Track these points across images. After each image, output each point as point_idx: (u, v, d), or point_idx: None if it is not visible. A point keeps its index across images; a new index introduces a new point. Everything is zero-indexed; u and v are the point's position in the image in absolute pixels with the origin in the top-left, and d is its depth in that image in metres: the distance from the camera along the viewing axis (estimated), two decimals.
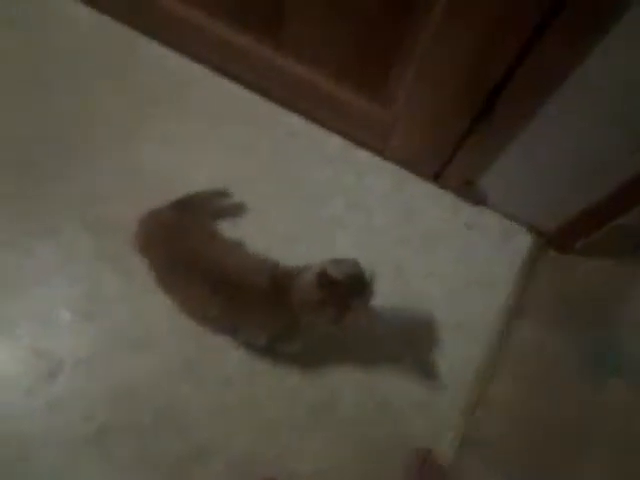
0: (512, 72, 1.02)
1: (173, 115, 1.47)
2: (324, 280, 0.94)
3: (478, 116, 1.16)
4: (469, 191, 1.42)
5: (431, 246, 1.42)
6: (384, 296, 1.32)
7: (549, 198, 1.34)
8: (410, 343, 1.32)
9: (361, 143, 1.47)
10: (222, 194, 1.34)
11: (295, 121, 1.50)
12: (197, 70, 1.53)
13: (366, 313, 0.99)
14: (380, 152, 1.45)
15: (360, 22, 1.11)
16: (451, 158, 1.33)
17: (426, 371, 1.30)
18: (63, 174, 1.37)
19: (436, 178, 1.44)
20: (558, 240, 1.42)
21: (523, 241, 1.45)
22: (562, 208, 1.34)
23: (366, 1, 1.05)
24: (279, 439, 1.21)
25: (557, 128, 1.12)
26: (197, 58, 1.51)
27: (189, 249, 1.06)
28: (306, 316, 1.00)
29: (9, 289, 1.26)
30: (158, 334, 1.25)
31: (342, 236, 1.40)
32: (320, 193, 1.44)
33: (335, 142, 1.48)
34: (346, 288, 0.95)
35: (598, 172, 1.17)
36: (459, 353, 1.32)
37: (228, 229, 1.32)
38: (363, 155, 1.48)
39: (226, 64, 1.47)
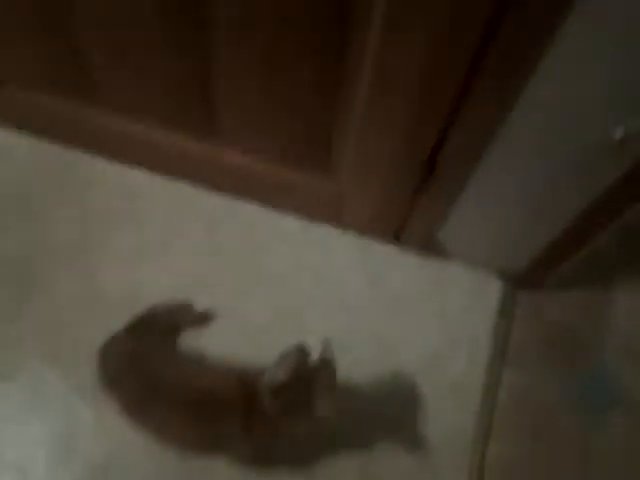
0: (446, 132, 1.03)
1: (128, 229, 1.45)
2: (274, 389, 0.91)
3: (423, 177, 1.16)
4: (431, 246, 1.41)
5: (404, 309, 1.40)
6: (364, 368, 1.31)
7: (511, 239, 1.34)
8: (398, 417, 1.29)
9: (317, 219, 1.46)
10: (182, 306, 1.30)
11: (250, 210, 1.49)
12: (144, 178, 1.51)
13: (332, 396, 0.95)
14: (337, 224, 1.45)
15: (293, 107, 1.11)
16: (407, 218, 1.33)
17: (419, 444, 1.26)
18: (23, 311, 1.34)
19: (397, 239, 1.43)
20: (528, 279, 1.42)
21: (494, 287, 1.44)
22: (526, 247, 1.33)
23: (295, 88, 1.05)
24: None
25: (502, 171, 1.12)
26: (142, 166, 1.51)
27: (152, 376, 1.03)
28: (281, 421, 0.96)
29: None
30: (138, 465, 1.19)
31: (314, 315, 1.38)
32: (285, 276, 1.42)
33: (292, 223, 1.47)
34: (301, 383, 0.92)
35: (554, 205, 1.17)
36: (450, 418, 1.29)
37: (196, 335, 1.29)
38: (321, 230, 1.47)
39: (171, 167, 1.47)
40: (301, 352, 0.94)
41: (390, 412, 1.29)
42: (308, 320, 1.37)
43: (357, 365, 1.31)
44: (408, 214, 1.31)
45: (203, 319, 1.30)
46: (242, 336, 1.33)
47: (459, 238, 1.39)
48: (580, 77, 0.84)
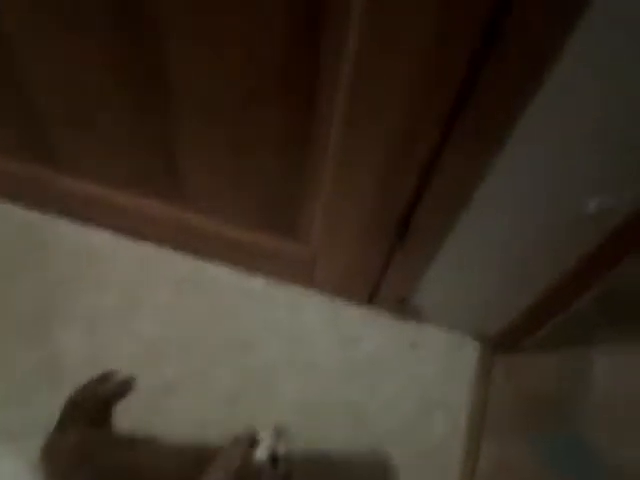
0: (417, 197, 1.00)
1: (91, 292, 1.39)
2: None
3: (395, 241, 1.13)
4: (406, 309, 1.37)
5: (378, 374, 1.34)
6: (337, 440, 1.25)
7: (488, 303, 1.30)
8: None
9: (288, 280, 1.41)
10: (101, 379, 1.22)
11: (218, 271, 1.43)
12: (109, 240, 1.45)
13: None
14: (307, 285, 1.40)
15: (258, 176, 1.08)
16: (380, 280, 1.29)
17: None
18: None
19: (370, 301, 1.38)
20: (506, 342, 1.37)
21: (470, 350, 1.39)
22: (503, 310, 1.29)
23: (261, 158, 1.02)
24: None
25: (476, 237, 1.09)
26: (107, 228, 1.45)
27: (108, 467, 0.95)
28: None
29: None
30: None
31: (284, 379, 1.32)
32: (255, 340, 1.36)
33: (261, 284, 1.42)
34: None
35: (530, 272, 1.14)
36: None
37: (162, 404, 1.23)
38: (292, 292, 1.42)
39: (136, 229, 1.42)
40: (245, 450, 0.87)
41: None
42: (279, 385, 1.31)
43: (327, 434, 1.26)
44: (381, 276, 1.27)
45: (126, 387, 1.22)
46: (210, 403, 1.27)
47: (434, 301, 1.35)
48: (553, 153, 0.82)
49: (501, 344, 1.39)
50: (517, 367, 1.39)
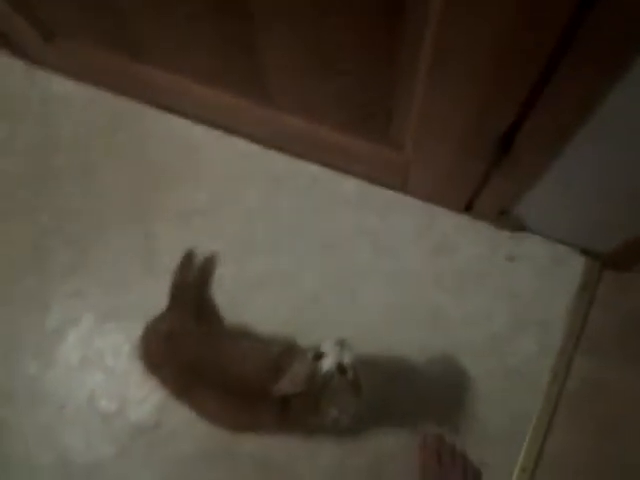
0: (526, 112, 0.87)
1: (184, 186, 1.42)
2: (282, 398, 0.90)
3: (497, 154, 1.01)
4: (507, 220, 1.27)
5: (470, 285, 1.29)
6: (421, 348, 1.24)
7: (600, 221, 1.17)
8: (456, 399, 1.22)
9: (380, 183, 1.34)
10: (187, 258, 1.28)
11: (311, 171, 1.39)
12: (204, 133, 1.44)
13: (345, 403, 0.90)
14: (401, 191, 1.33)
15: (343, 77, 0.98)
16: (479, 190, 1.19)
17: (476, 429, 1.20)
18: (75, 265, 1.37)
19: (468, 209, 1.29)
20: (616, 261, 1.25)
21: (575, 265, 1.28)
22: (618, 230, 1.16)
23: (346, 49, 0.91)
24: None
25: (596, 155, 0.95)
26: (201, 121, 1.43)
27: (190, 359, 1.01)
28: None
29: None
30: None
31: (370, 285, 1.31)
32: (342, 243, 1.34)
33: (352, 185, 1.37)
34: (310, 392, 0.89)
35: None
36: (511, 405, 1.21)
37: (244, 304, 1.27)
38: (384, 194, 1.35)
39: (225, 123, 1.38)
40: (315, 361, 0.90)
41: (446, 393, 1.23)
42: (360, 291, 1.30)
43: (405, 338, 1.26)
44: (480, 187, 1.17)
45: (209, 264, 1.27)
46: (290, 305, 1.30)
47: (539, 214, 1.23)
48: None
49: (611, 263, 1.26)
50: (624, 288, 1.27)
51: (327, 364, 0.90)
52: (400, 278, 1.30)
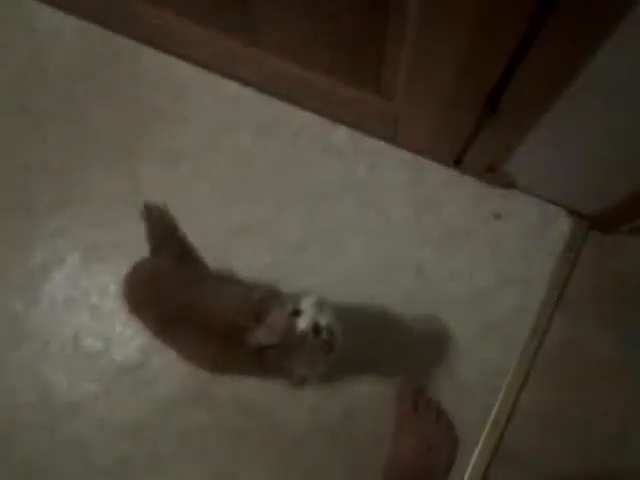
0: (513, 67, 0.84)
1: (172, 128, 1.39)
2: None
3: (485, 110, 0.99)
4: (495, 177, 1.25)
5: (456, 242, 1.29)
6: (403, 301, 1.25)
7: (589, 181, 1.15)
8: (434, 352, 1.24)
9: (370, 133, 1.32)
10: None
11: (300, 117, 1.36)
12: (194, 74, 1.40)
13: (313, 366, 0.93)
14: (390, 142, 1.30)
15: (337, 19, 0.94)
16: (468, 146, 1.17)
17: (452, 382, 1.22)
18: (60, 203, 1.36)
19: (456, 164, 1.27)
20: (603, 223, 1.25)
21: (562, 225, 1.28)
22: (606, 191, 1.15)
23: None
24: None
25: (585, 110, 0.92)
26: (192, 62, 1.39)
27: (171, 299, 1.02)
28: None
29: None
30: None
31: (355, 236, 1.31)
32: (329, 192, 1.33)
33: (341, 134, 1.34)
34: (284, 347, 0.90)
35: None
36: (488, 360, 1.23)
37: (226, 250, 1.26)
38: (373, 144, 1.33)
39: (214, 63, 1.34)
40: (292, 317, 0.90)
41: (427, 345, 1.25)
42: (345, 242, 1.30)
43: (387, 292, 1.27)
44: (469, 143, 1.15)
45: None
46: (274, 252, 1.30)
47: (527, 171, 1.21)
48: None
49: (598, 225, 1.26)
50: (611, 250, 1.27)
51: (303, 323, 0.90)
52: (386, 231, 1.30)
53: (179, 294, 1.04)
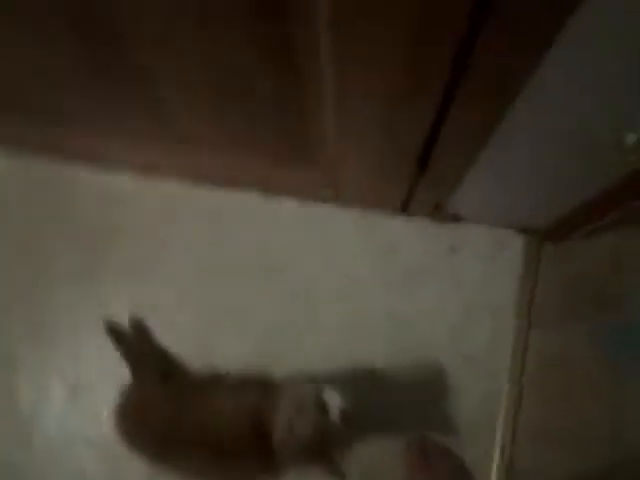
0: (436, 131, 0.88)
1: (125, 240, 1.38)
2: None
3: (417, 171, 1.02)
4: (443, 213, 1.29)
5: (419, 282, 1.32)
6: (385, 354, 1.27)
7: (531, 202, 1.20)
8: (427, 396, 1.26)
9: (315, 199, 1.34)
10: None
11: (246, 199, 1.36)
12: (131, 183, 1.39)
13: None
14: (337, 201, 1.32)
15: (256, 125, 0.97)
16: (410, 196, 1.20)
17: (449, 420, 1.24)
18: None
19: (404, 209, 1.30)
20: (553, 234, 1.29)
21: (515, 244, 1.32)
22: (550, 208, 1.20)
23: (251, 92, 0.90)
24: None
25: (513, 151, 0.96)
26: (125, 170, 1.38)
27: (165, 424, 1.01)
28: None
29: None
30: None
31: (324, 301, 1.32)
32: (290, 264, 1.34)
33: (291, 206, 1.36)
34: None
35: (586, 171, 1.03)
36: (479, 388, 1.26)
37: (208, 344, 1.26)
38: (322, 209, 1.35)
39: (148, 172, 1.35)
40: (319, 413, 0.92)
41: (413, 392, 1.27)
42: (316, 310, 1.31)
43: (372, 348, 1.28)
44: (410, 193, 1.18)
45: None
46: (252, 339, 1.30)
47: (473, 202, 1.25)
48: (592, 77, 0.68)
49: (548, 236, 1.30)
50: (565, 256, 1.32)
51: (335, 417, 0.91)
52: (352, 289, 1.32)
53: (170, 416, 1.03)
